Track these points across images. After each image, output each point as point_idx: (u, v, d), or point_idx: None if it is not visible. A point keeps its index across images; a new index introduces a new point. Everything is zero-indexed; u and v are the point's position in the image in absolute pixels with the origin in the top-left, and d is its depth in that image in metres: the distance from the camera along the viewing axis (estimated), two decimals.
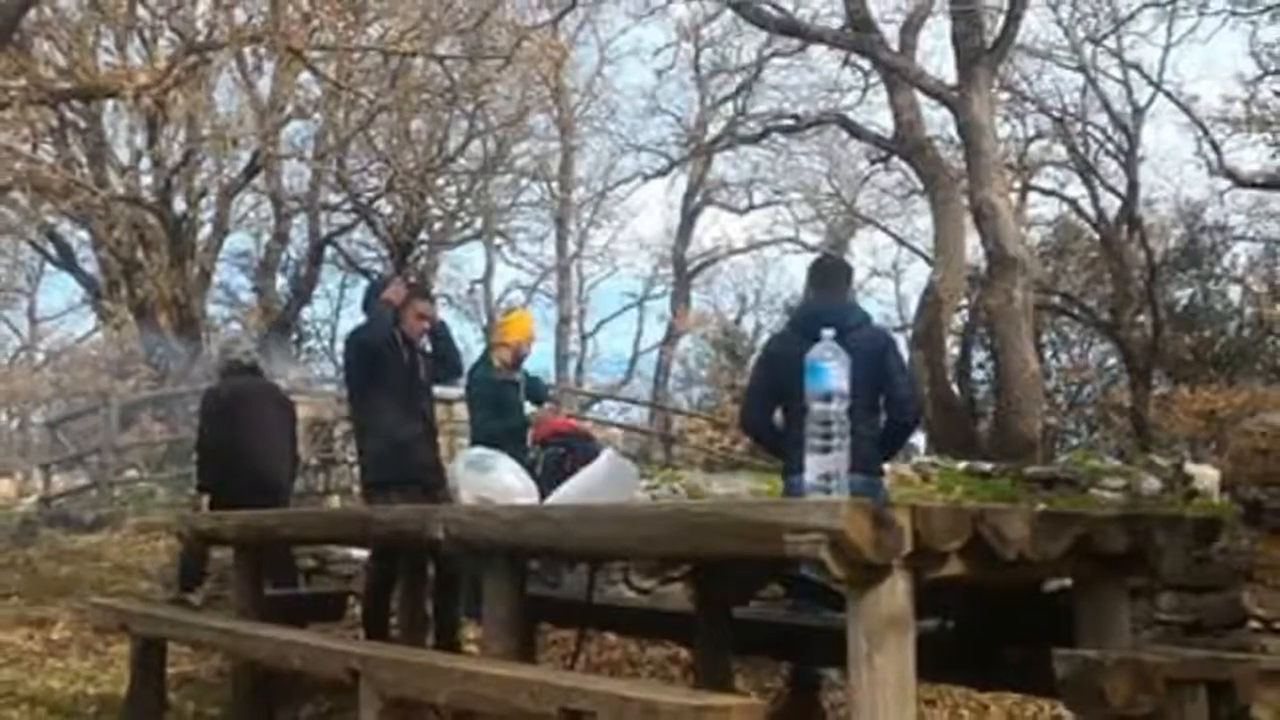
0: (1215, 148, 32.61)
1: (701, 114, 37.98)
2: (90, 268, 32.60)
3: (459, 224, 37.11)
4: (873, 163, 31.81)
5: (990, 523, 3.97)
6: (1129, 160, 33.47)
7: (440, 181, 32.93)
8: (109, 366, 31.13)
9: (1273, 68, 30.68)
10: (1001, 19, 22.34)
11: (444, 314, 11.01)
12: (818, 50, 28.80)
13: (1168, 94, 33.23)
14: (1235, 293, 37.06)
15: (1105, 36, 32.29)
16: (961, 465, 15.65)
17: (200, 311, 30.50)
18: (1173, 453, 22.71)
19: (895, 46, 23.63)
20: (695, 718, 3.89)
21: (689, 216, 41.03)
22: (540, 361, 36.02)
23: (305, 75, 24.55)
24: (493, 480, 5.97)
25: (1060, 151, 34.84)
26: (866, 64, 26.04)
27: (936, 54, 27.71)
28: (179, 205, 29.43)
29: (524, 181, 37.88)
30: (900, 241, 40.46)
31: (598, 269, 45.31)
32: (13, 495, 24.11)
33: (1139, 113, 33.52)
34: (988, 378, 32.07)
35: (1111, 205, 34.11)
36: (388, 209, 33.24)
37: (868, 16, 22.83)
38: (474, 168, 33.87)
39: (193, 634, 7.49)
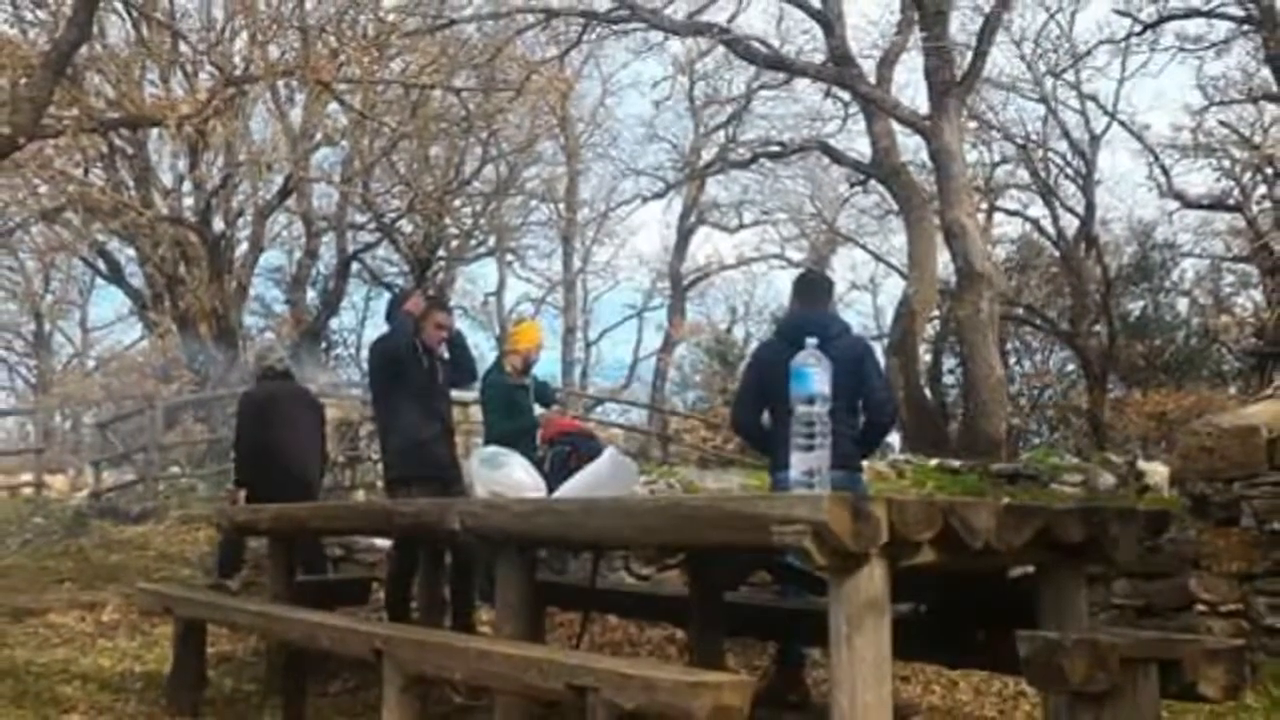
0: (1165, 172, 32.76)
1: (695, 141, 38.01)
2: (137, 282, 32.60)
3: (474, 242, 37.12)
4: (852, 186, 31.75)
5: (959, 515, 3.97)
6: (1086, 183, 33.52)
7: (457, 203, 32.95)
8: (154, 372, 31.09)
9: (1218, 99, 30.70)
10: (970, 55, 22.31)
11: (460, 324, 10.99)
12: (802, 83, 28.76)
13: (1122, 123, 33.38)
14: (1183, 305, 37.12)
15: (1064, 70, 32.32)
16: (933, 462, 15.59)
17: (237, 322, 30.46)
18: (1126, 451, 22.67)
19: (873, 80, 23.59)
20: (690, 693, 3.89)
21: (684, 235, 41.07)
22: (548, 367, 36.12)
23: (333, 106, 24.69)
24: (505, 476, 5.97)
25: (1023, 175, 34.85)
26: (846, 95, 26.03)
27: (910, 86, 27.99)
28: (218, 225, 29.44)
29: (533, 203, 38.03)
30: (877, 258, 40.50)
31: (600, 283, 45.57)
32: (66, 490, 24.06)
33: (1095, 140, 33.52)
34: (957, 382, 31.97)
35: (1070, 224, 34.14)
36: (408, 228, 33.24)
37: (847, 52, 22.78)
38: (487, 190, 33.90)
39: (230, 616, 7.49)
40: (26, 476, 24.85)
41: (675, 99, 35.26)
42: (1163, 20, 26.63)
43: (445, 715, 6.96)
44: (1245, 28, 25.90)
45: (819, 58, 24.74)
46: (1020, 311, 34.83)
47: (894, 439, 21.70)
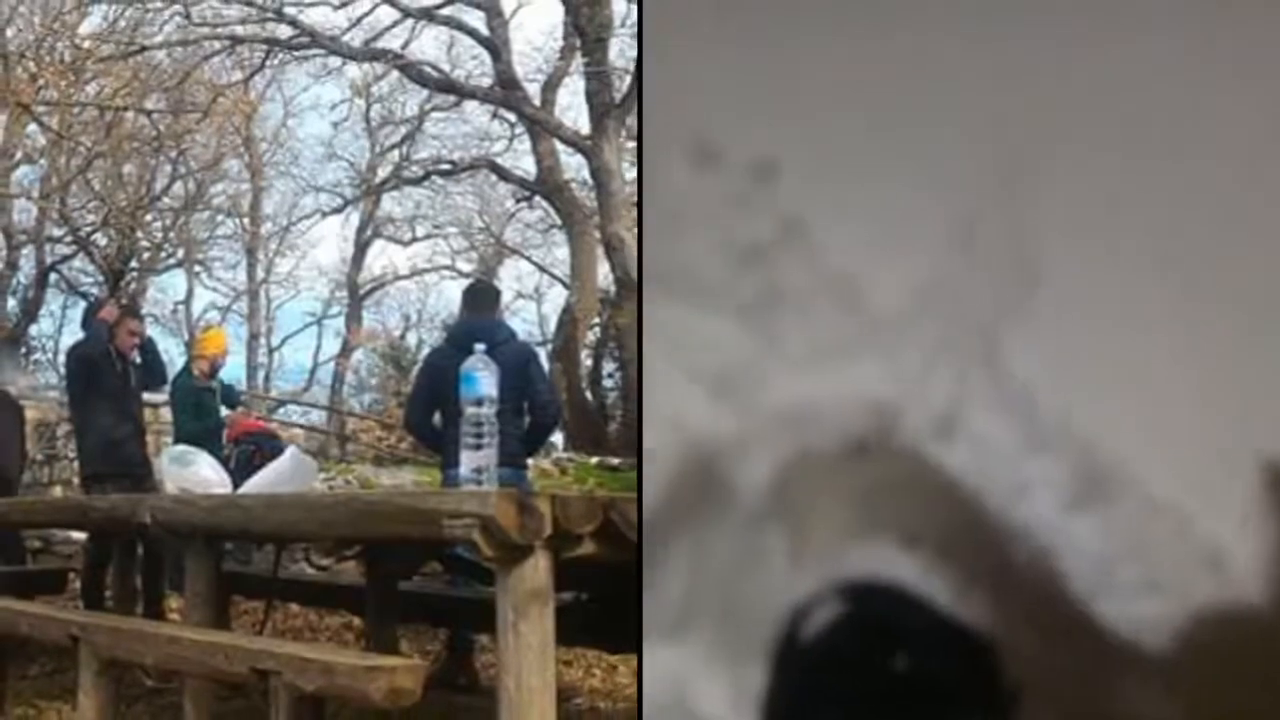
0: None
1: (371, 160, 37.67)
2: None
3: (164, 254, 36.24)
4: (518, 201, 31.82)
5: (618, 510, 4.01)
6: None
7: (148, 218, 32.23)
8: None
9: None
10: (628, 79, 22.67)
11: (151, 331, 10.93)
12: (471, 105, 28.72)
13: None
14: None
15: None
16: (594, 460, 15.81)
17: None
18: None
19: (537, 102, 23.78)
20: (367, 676, 3.89)
21: (361, 247, 40.68)
22: (233, 371, 35.03)
23: (32, 127, 24.30)
24: (193, 473, 5.95)
25: None
26: (513, 117, 26.08)
27: (573, 108, 27.90)
28: None
29: (219, 217, 37.22)
30: (541, 269, 40.64)
31: (283, 292, 44.55)
32: None
33: None
34: (617, 385, 32.43)
35: None
36: (103, 241, 32.35)
37: (514, 77, 22.91)
38: (177, 205, 33.19)
39: None
40: None
41: (353, 120, 34.98)
42: None
43: (138, 697, 6.81)
44: None
45: (487, 81, 24.82)
46: None
47: (557, 438, 21.91)
